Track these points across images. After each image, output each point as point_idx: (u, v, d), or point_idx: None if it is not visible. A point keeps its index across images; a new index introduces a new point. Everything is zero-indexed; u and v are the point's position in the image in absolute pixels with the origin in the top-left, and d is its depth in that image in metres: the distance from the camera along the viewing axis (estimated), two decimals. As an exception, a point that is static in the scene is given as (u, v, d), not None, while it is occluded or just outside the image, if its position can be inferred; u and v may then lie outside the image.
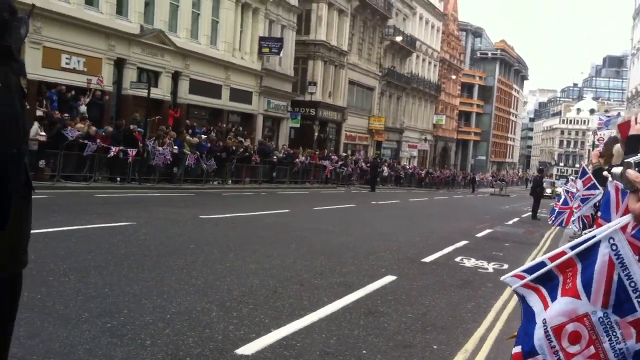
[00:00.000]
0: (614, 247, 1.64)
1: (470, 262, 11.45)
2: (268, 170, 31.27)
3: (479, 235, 16.95)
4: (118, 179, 21.71)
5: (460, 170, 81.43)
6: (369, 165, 43.09)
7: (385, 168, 47.45)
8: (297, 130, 41.41)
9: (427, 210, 26.38)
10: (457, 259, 11.70)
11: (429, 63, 70.30)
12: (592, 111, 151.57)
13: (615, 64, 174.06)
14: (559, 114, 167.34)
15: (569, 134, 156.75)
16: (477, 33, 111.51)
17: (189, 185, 24.25)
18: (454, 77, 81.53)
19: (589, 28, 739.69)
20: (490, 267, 11.04)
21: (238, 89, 34.79)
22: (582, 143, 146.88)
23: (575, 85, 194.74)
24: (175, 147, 23.66)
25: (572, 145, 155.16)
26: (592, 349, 1.69)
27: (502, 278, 1.88)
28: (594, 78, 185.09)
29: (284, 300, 7.02)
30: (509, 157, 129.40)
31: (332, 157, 40.54)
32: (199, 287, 7.19)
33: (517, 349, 1.83)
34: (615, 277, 1.65)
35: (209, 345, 5.18)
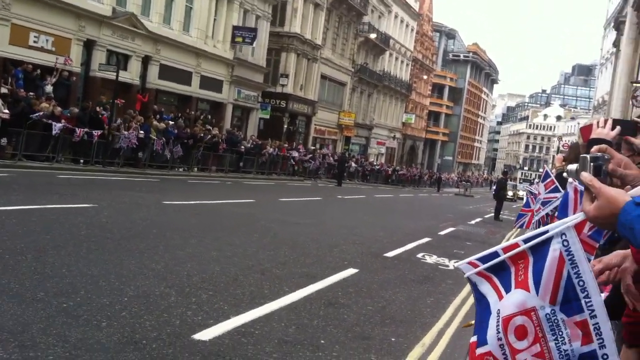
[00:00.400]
0: (565, 244, 1.65)
1: (431, 259, 11.55)
2: (235, 159, 31.10)
3: (442, 233, 17.10)
4: (81, 160, 21.38)
5: (427, 169, 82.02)
6: (336, 159, 43.15)
7: (353, 163, 47.59)
8: (267, 122, 41.23)
9: (392, 207, 26.53)
10: (419, 255, 11.79)
11: (402, 62, 70.59)
12: (558, 118, 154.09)
13: (584, 73, 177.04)
14: (526, 118, 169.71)
15: (535, 139, 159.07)
16: (451, 35, 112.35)
17: (153, 170, 23.99)
18: (425, 77, 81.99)
19: (561, 37, 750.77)
20: (451, 264, 11.14)
21: (209, 76, 34.49)
22: (548, 148, 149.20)
23: (543, 91, 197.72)
24: (142, 131, 23.37)
25: (537, 150, 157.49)
26: (537, 347, 1.68)
27: (456, 264, 1.89)
28: (563, 85, 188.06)
29: (245, 288, 6.99)
30: (475, 159, 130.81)
31: (300, 149, 40.50)
32: (158, 271, 7.11)
33: (474, 338, 1.83)
34: (565, 274, 1.65)
35: (166, 329, 5.13)
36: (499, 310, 1.74)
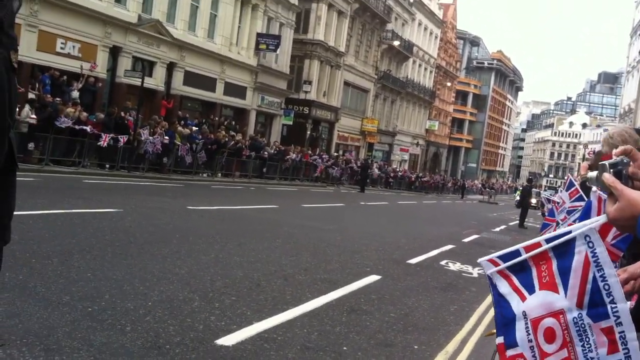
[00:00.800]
0: (590, 245, 1.62)
1: (455, 266, 11.47)
2: (258, 165, 31.22)
3: (466, 240, 16.98)
4: (107, 166, 21.61)
5: (451, 176, 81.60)
6: (359, 166, 43.11)
7: (376, 170, 47.49)
8: (290, 128, 41.37)
9: (415, 214, 26.42)
10: (442, 262, 11.72)
11: (425, 69, 70.42)
12: (584, 125, 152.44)
13: (610, 81, 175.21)
14: (551, 126, 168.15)
15: (560, 146, 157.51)
16: (475, 42, 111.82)
17: (178, 176, 24.17)
18: (449, 84, 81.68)
19: (587, 44, 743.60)
20: (475, 272, 11.05)
21: (233, 83, 34.71)
22: (573, 156, 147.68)
23: (569, 99, 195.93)
24: (166, 137, 23.57)
25: (562, 158, 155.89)
26: (565, 352, 1.65)
27: (478, 260, 1.87)
28: (588, 93, 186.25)
29: (267, 294, 7.00)
30: (500, 166, 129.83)
31: (323, 156, 40.53)
32: (182, 276, 7.15)
33: (500, 340, 1.81)
34: (591, 277, 1.61)
35: (190, 334, 5.15)
36: (524, 312, 1.71)
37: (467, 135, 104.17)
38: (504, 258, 1.77)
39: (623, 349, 1.59)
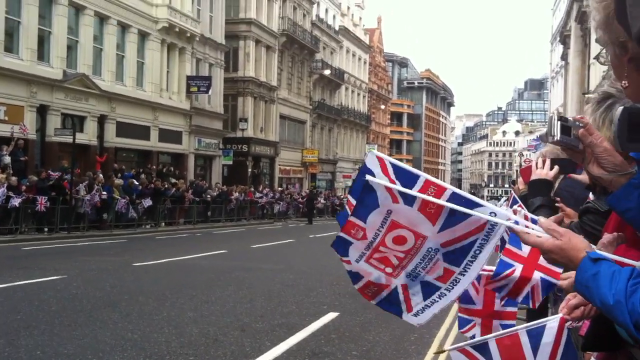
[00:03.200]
0: (490, 227, 1.69)
1: (410, 292, 11.46)
2: (203, 209, 30.83)
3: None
4: (46, 229, 20.94)
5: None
6: (305, 197, 43.09)
7: (322, 200, 47.55)
8: (231, 168, 41.10)
9: (365, 241, 26.43)
10: (398, 290, 11.69)
11: (358, 94, 71.37)
12: (517, 133, 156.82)
13: (537, 87, 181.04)
14: (485, 137, 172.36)
15: (497, 155, 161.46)
16: (403, 63, 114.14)
17: (120, 230, 23.62)
18: (383, 106, 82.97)
19: (511, 54, 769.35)
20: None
21: (167, 129, 34.33)
22: (510, 164, 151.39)
23: (499, 108, 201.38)
24: (104, 192, 23.04)
25: (500, 167, 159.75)
26: (401, 254, 1.77)
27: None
28: (517, 101, 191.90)
29: (225, 349, 6.82)
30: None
31: (267, 192, 40.36)
32: (135, 341, 6.91)
33: (351, 199, 1.84)
34: (472, 239, 1.70)
35: (149, 405, 4.95)
36: (390, 210, 1.72)
37: (407, 155, 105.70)
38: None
39: (447, 285, 1.79)
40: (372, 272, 1.85)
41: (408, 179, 1.70)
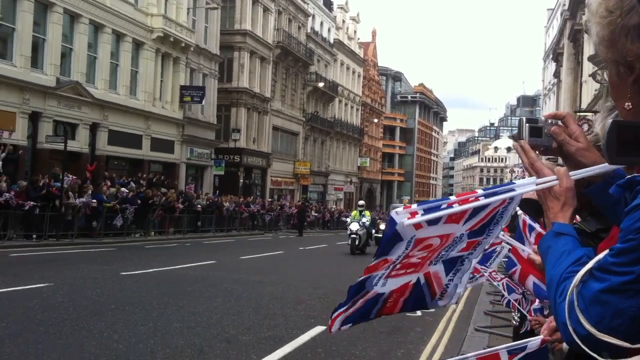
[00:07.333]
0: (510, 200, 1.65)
1: (398, 307, 11.45)
2: (192, 219, 30.75)
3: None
4: (34, 236, 20.81)
5: (386, 209, 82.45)
6: (297, 208, 43.05)
7: (313, 212, 47.51)
8: (222, 178, 41.01)
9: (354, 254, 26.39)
10: (386, 304, 11.67)
11: (352, 107, 71.55)
12: (508, 149, 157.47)
13: (529, 104, 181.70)
14: (477, 152, 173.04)
15: (488, 171, 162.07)
16: (397, 77, 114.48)
17: (109, 239, 23.50)
18: (376, 120, 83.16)
19: (504, 70, 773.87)
20: (418, 310, 11.06)
21: (159, 138, 34.28)
22: (501, 180, 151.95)
23: (492, 124, 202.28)
24: (94, 200, 22.94)
25: (491, 182, 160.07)
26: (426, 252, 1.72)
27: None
28: (509, 117, 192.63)
29: (211, 361, 6.79)
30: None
31: (257, 202, 40.32)
32: (120, 352, 6.87)
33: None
34: (495, 212, 1.65)
35: (131, 417, 4.91)
36: (413, 236, 1.63)
37: (399, 168, 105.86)
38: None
39: (470, 250, 1.79)
40: (393, 284, 1.81)
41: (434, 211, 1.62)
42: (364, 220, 25.07)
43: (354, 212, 26.89)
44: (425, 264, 1.79)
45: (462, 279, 1.89)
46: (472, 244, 1.76)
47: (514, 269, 2.89)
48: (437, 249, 1.72)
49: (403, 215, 1.57)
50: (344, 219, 41.59)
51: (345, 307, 1.86)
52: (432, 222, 1.59)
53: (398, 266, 1.74)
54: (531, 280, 2.91)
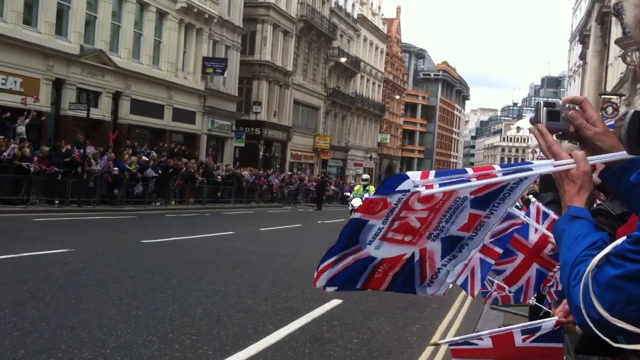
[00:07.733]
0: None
1: (415, 284, 11.49)
2: (212, 190, 30.94)
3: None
4: (57, 202, 21.10)
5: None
6: (315, 183, 43.09)
7: (332, 186, 47.52)
8: (243, 150, 41.20)
9: (373, 230, 26.44)
10: (402, 281, 11.72)
11: (373, 83, 71.15)
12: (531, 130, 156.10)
13: (553, 85, 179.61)
14: (499, 132, 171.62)
15: (510, 151, 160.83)
16: (420, 54, 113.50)
17: (130, 207, 23.73)
18: (397, 97, 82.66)
19: (529, 50, 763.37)
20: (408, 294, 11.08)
21: (181, 109, 34.40)
22: (523, 160, 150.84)
23: (515, 104, 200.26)
24: (116, 168, 23.16)
25: (512, 162, 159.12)
26: (425, 213, 1.69)
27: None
28: (533, 98, 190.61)
29: (228, 330, 6.89)
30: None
31: (277, 175, 40.45)
32: (139, 318, 6.99)
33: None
34: (503, 185, 1.64)
35: (150, 381, 5.02)
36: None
37: (419, 146, 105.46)
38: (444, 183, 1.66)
39: (472, 232, 1.74)
40: (387, 250, 1.74)
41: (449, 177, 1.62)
42: (367, 196, 22.45)
43: (357, 187, 24.98)
44: (424, 235, 1.74)
45: (455, 267, 1.85)
46: (473, 220, 1.71)
47: (512, 257, 2.85)
48: (438, 208, 1.67)
49: (419, 183, 1.58)
50: (346, 194, 39.09)
51: (334, 259, 1.77)
52: (443, 185, 1.61)
53: (396, 225, 1.68)
54: (534, 268, 2.90)
